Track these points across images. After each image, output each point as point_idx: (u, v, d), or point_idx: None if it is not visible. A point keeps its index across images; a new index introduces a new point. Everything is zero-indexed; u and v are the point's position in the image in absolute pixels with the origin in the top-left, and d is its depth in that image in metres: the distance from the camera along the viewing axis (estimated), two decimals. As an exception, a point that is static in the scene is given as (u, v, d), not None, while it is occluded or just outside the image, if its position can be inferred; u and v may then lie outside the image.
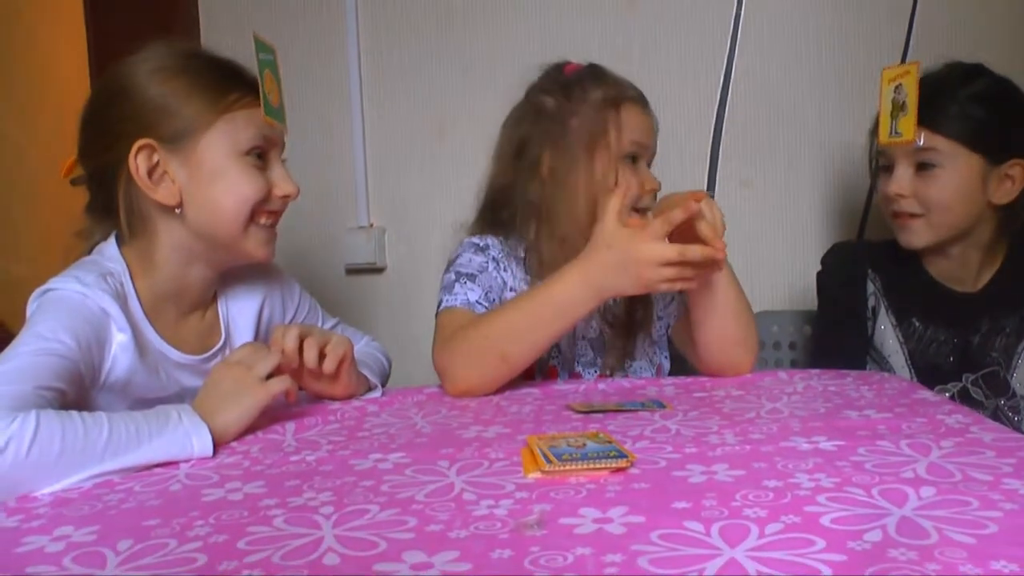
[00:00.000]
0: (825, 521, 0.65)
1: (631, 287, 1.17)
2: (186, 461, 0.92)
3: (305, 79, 1.96)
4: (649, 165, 1.39)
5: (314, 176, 1.97)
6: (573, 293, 1.19)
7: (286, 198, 1.19)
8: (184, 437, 0.93)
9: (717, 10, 1.84)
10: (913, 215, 1.38)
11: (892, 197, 1.39)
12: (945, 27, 1.77)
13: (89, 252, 1.18)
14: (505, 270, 1.38)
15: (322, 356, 1.15)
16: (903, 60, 1.75)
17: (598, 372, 1.43)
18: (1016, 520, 0.62)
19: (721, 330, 1.27)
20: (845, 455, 0.82)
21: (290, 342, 1.13)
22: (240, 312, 1.27)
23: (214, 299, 1.25)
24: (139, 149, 1.09)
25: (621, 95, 1.36)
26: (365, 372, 1.26)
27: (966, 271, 1.44)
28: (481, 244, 1.40)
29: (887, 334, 1.46)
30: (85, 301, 1.05)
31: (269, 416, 1.06)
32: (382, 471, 0.85)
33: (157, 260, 1.15)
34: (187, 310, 1.21)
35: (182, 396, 1.14)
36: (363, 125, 1.96)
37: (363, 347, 1.38)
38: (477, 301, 1.31)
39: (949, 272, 1.44)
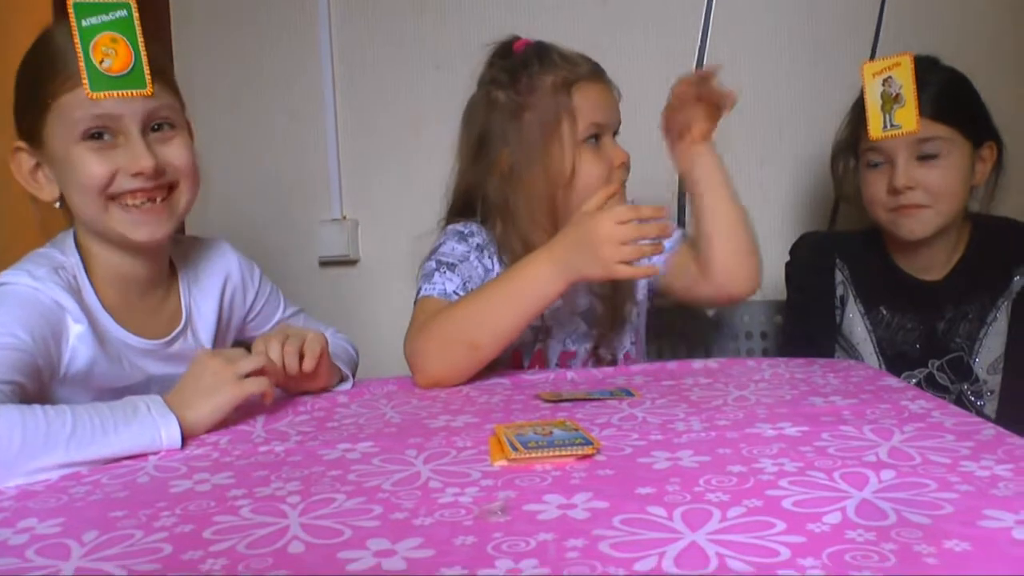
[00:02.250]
0: (786, 504, 0.65)
1: (592, 266, 1.16)
2: (155, 453, 0.92)
3: (278, 72, 1.96)
4: (616, 135, 1.39)
5: (287, 169, 1.97)
6: (538, 275, 1.19)
7: (139, 175, 1.09)
8: (152, 428, 0.93)
9: (688, 4, 1.85)
10: (920, 205, 1.39)
11: (898, 190, 1.38)
12: (913, 20, 1.78)
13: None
14: (489, 257, 1.38)
15: (300, 356, 1.14)
16: (872, 55, 1.77)
17: (590, 345, 1.43)
18: (970, 501, 0.64)
19: (736, 239, 1.29)
20: (809, 440, 0.83)
21: (274, 353, 1.11)
22: (202, 293, 1.26)
23: (174, 282, 1.24)
24: (13, 153, 1.09)
25: (572, 76, 1.34)
26: (337, 363, 1.26)
27: (935, 259, 1.46)
28: (465, 232, 1.40)
29: (855, 322, 1.48)
30: (37, 295, 1.04)
31: (242, 411, 1.05)
32: (350, 461, 0.85)
33: (87, 246, 1.15)
34: (140, 293, 1.19)
35: (148, 384, 1.14)
36: (336, 118, 1.96)
37: (330, 338, 1.38)
38: (455, 291, 1.30)
39: (918, 262, 1.46)
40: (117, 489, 0.80)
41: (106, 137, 1.09)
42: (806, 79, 1.82)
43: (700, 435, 0.87)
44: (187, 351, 1.18)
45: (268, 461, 0.87)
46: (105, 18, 1.04)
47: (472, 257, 1.36)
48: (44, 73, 1.08)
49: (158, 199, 1.12)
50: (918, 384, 1.34)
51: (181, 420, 0.95)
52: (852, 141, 1.50)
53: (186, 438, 0.95)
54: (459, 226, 1.41)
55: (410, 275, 1.49)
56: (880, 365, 1.46)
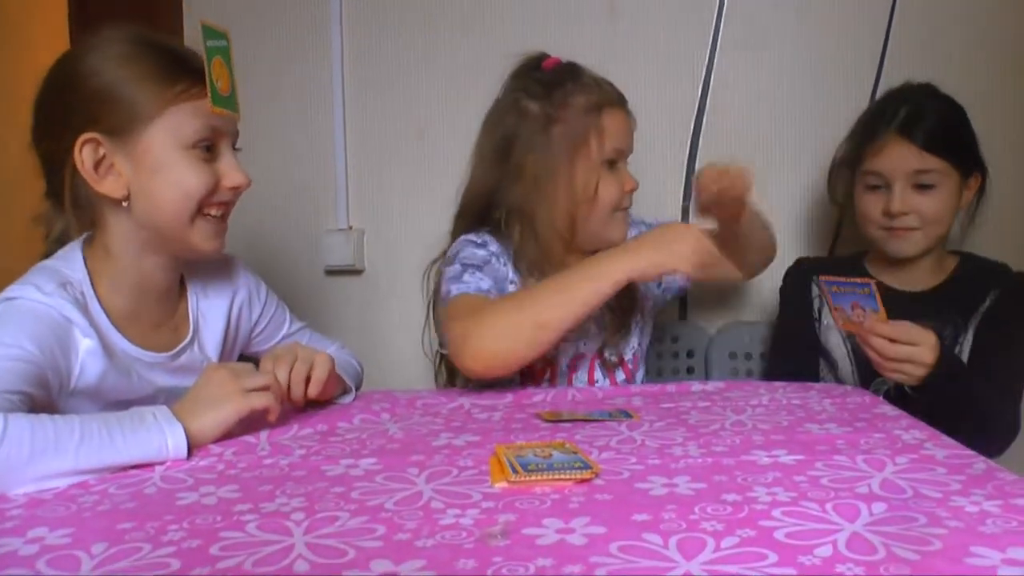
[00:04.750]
0: (779, 536, 0.67)
1: (669, 257, 1.23)
2: (161, 463, 0.94)
3: (287, 80, 1.97)
4: (626, 161, 1.45)
5: (294, 178, 1.98)
6: (605, 262, 1.25)
7: (235, 189, 1.17)
8: (159, 437, 0.95)
9: (697, 21, 1.86)
10: (911, 228, 1.47)
11: (893, 214, 1.46)
12: (919, 45, 1.80)
13: (57, 244, 1.17)
14: (505, 264, 1.42)
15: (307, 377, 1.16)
16: (878, 77, 1.79)
17: (599, 346, 1.48)
18: (959, 538, 0.65)
19: (763, 252, 1.56)
20: (803, 469, 0.85)
21: (282, 376, 1.13)
22: (210, 308, 1.27)
23: (183, 295, 1.25)
24: (84, 143, 1.08)
25: (603, 100, 1.41)
26: (340, 374, 1.27)
27: (914, 278, 1.53)
28: (479, 240, 1.43)
29: (831, 329, 1.55)
30: (46, 310, 1.05)
31: (247, 424, 1.06)
32: (353, 477, 0.87)
33: (113, 251, 1.15)
34: (153, 303, 1.19)
35: (155, 396, 1.15)
36: (344, 128, 1.97)
37: (335, 352, 1.39)
38: (488, 290, 1.32)
39: (898, 278, 1.52)
40: (125, 500, 0.82)
41: (210, 150, 1.14)
42: (810, 102, 1.84)
43: (697, 461, 0.89)
44: (194, 363, 1.20)
45: (273, 475, 0.89)
46: (217, 43, 1.13)
47: (493, 260, 1.40)
48: (160, 77, 1.10)
49: (226, 214, 1.19)
50: (888, 391, 1.36)
51: (187, 430, 0.97)
52: (851, 159, 1.56)
53: (191, 447, 0.97)
54: (472, 236, 1.44)
55: (416, 285, 1.52)
56: (853, 371, 1.53)
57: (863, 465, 0.86)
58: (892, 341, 1.26)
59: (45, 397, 1.02)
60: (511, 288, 1.40)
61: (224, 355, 1.28)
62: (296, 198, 1.98)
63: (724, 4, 1.84)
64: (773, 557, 0.63)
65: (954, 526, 0.68)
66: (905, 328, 1.27)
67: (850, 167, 1.56)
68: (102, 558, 0.67)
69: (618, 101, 1.44)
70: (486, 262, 1.39)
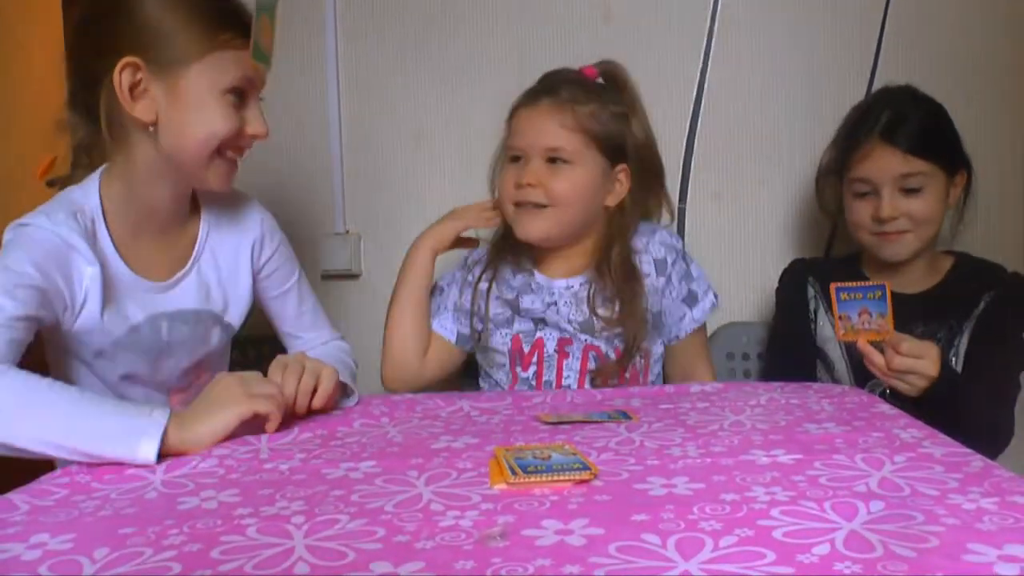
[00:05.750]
0: (777, 535, 0.67)
1: (439, 227, 1.55)
2: (149, 457, 0.95)
3: (282, 85, 1.97)
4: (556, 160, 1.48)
5: (291, 182, 1.98)
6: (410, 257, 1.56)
7: (255, 137, 1.24)
8: (144, 420, 0.98)
9: (691, 25, 1.87)
10: (902, 232, 1.48)
11: (883, 219, 1.47)
12: (911, 50, 1.81)
13: (83, 150, 1.24)
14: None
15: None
16: (871, 81, 1.80)
17: (587, 341, 1.50)
18: (956, 536, 0.65)
19: None
20: (802, 469, 0.85)
21: (289, 389, 1.14)
22: (220, 241, 1.33)
23: (194, 224, 1.31)
24: (125, 66, 1.13)
25: (518, 103, 1.52)
26: (344, 380, 1.27)
27: (908, 279, 1.53)
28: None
29: (826, 329, 1.57)
30: (52, 237, 1.12)
31: (248, 427, 1.07)
32: (353, 480, 0.87)
33: (130, 171, 1.21)
34: (157, 226, 1.26)
35: (157, 323, 1.24)
36: (340, 132, 1.97)
37: (334, 350, 1.40)
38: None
39: (892, 281, 1.50)
40: (126, 505, 0.83)
41: (240, 97, 1.21)
42: (805, 103, 1.84)
43: (696, 461, 0.89)
44: (193, 290, 1.28)
45: (273, 479, 0.89)
46: (267, 1, 1.18)
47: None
48: (209, 22, 1.16)
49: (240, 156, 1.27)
50: (883, 392, 1.37)
51: (189, 431, 0.99)
52: (837, 166, 1.58)
53: (192, 451, 0.98)
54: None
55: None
56: (849, 372, 1.54)
57: (861, 464, 0.86)
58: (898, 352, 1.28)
59: (52, 319, 1.12)
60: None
61: (226, 287, 1.34)
62: (293, 202, 1.97)
63: (718, 7, 1.85)
64: (771, 556, 0.63)
65: (951, 523, 0.68)
66: (911, 341, 1.28)
67: (837, 174, 1.58)
68: (104, 563, 0.67)
69: (533, 98, 1.50)
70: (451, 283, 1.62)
